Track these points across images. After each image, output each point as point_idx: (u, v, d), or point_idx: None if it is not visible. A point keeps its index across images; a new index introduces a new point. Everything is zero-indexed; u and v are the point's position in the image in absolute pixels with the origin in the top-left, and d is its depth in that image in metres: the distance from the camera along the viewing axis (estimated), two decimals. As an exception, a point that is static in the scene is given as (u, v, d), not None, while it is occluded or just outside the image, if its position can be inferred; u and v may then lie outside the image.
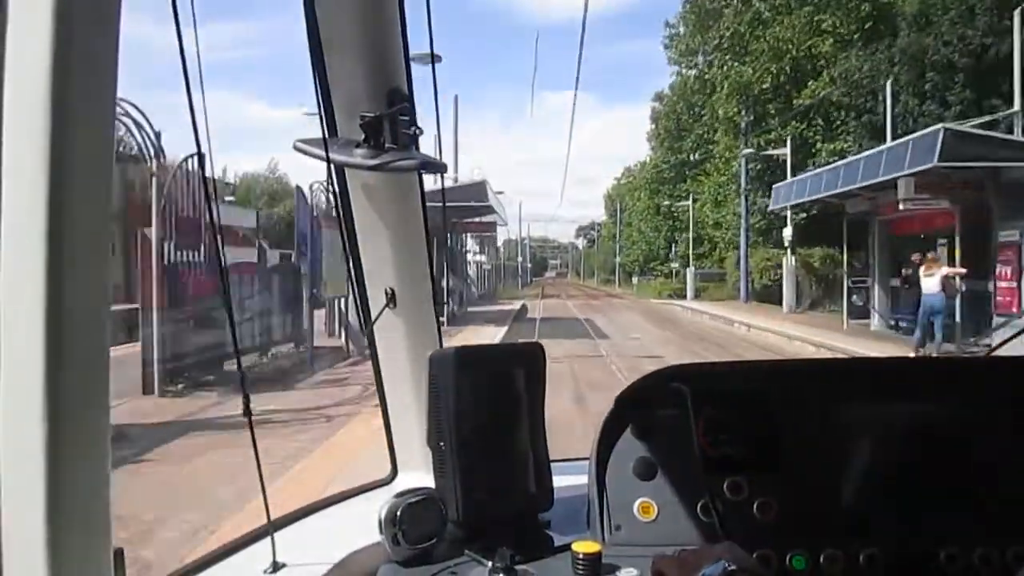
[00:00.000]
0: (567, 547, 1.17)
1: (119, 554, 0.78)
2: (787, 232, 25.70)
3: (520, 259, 78.72)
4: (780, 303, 26.62)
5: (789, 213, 24.79)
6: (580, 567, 1.13)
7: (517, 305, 32.99)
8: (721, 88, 33.66)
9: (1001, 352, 1.54)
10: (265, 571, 1.19)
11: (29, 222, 0.66)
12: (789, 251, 25.69)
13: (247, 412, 1.16)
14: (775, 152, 28.99)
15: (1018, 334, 1.55)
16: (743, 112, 32.81)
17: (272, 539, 1.20)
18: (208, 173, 1.10)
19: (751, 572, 0.94)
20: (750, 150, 31.03)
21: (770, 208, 24.79)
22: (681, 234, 46.06)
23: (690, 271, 39.63)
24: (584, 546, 1.15)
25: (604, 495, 1.31)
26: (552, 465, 1.35)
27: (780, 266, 27.59)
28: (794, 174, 24.83)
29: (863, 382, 1.38)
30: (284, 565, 1.20)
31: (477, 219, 27.78)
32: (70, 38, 0.66)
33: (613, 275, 75.92)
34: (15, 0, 0.66)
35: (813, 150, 28.58)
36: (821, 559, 1.20)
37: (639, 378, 1.39)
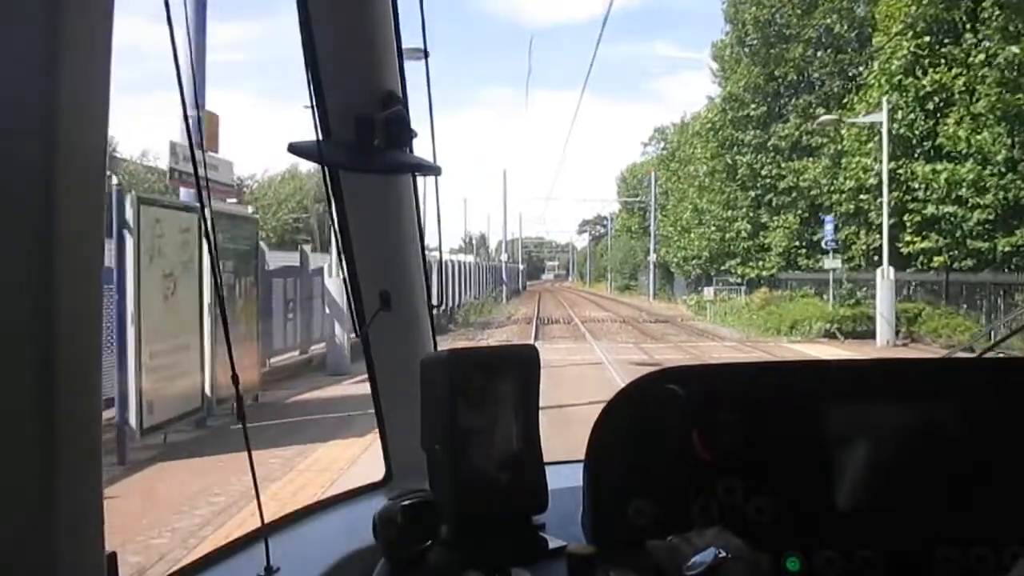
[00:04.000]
0: (562, 550, 1.17)
1: (112, 558, 0.77)
2: None
3: (506, 257, 50.15)
4: None
5: None
6: (575, 569, 1.13)
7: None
8: None
9: (995, 353, 1.55)
10: (259, 575, 1.18)
11: (19, 224, 0.65)
12: None
13: (241, 417, 1.16)
14: None
15: (1012, 334, 1.55)
16: None
17: (266, 543, 1.20)
18: (202, 174, 1.09)
19: (743, 559, 0.94)
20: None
21: None
22: (779, 214, 27.19)
23: (884, 279, 17.27)
24: (579, 548, 1.14)
25: (598, 497, 1.30)
26: (547, 467, 1.35)
27: None
28: None
29: (858, 383, 1.38)
30: (278, 569, 1.19)
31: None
32: (62, 36, 0.66)
33: (634, 280, 54.35)
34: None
35: None
36: (816, 561, 1.20)
37: (633, 380, 1.39)
